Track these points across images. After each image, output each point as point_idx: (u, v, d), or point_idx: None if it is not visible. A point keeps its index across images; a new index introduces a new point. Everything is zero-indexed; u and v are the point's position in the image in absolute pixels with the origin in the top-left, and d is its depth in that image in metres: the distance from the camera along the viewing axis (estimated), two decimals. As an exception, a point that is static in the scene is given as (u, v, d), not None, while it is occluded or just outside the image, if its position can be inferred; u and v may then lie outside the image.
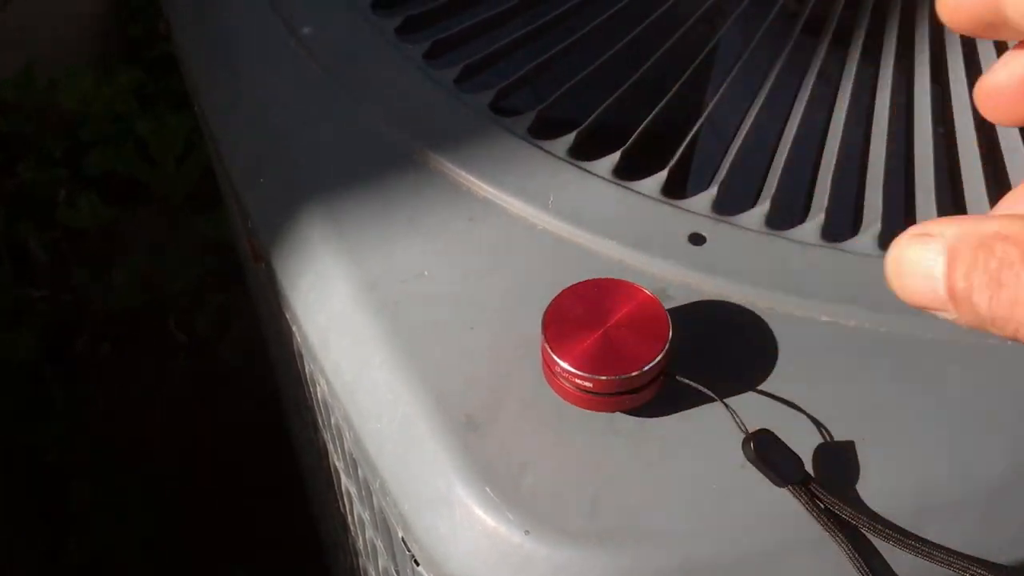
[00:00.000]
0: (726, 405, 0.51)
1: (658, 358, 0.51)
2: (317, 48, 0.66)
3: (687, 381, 0.52)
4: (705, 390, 0.51)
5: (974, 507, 0.51)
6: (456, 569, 0.52)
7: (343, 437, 0.60)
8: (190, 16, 0.72)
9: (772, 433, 0.51)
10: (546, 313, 0.52)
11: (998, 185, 0.63)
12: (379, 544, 0.65)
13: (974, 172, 0.63)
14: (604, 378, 0.51)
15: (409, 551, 0.55)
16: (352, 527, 0.74)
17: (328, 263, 0.59)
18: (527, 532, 0.50)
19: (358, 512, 0.67)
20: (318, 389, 0.61)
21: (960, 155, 0.64)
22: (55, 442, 1.69)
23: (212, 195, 1.46)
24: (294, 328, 0.61)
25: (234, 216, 0.72)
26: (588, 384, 0.51)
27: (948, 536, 0.51)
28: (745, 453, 0.50)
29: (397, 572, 0.62)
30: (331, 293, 0.58)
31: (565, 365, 0.51)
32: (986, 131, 0.65)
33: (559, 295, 0.53)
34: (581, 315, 0.52)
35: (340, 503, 0.75)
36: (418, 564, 0.55)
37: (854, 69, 0.68)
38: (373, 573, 0.71)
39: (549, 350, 0.51)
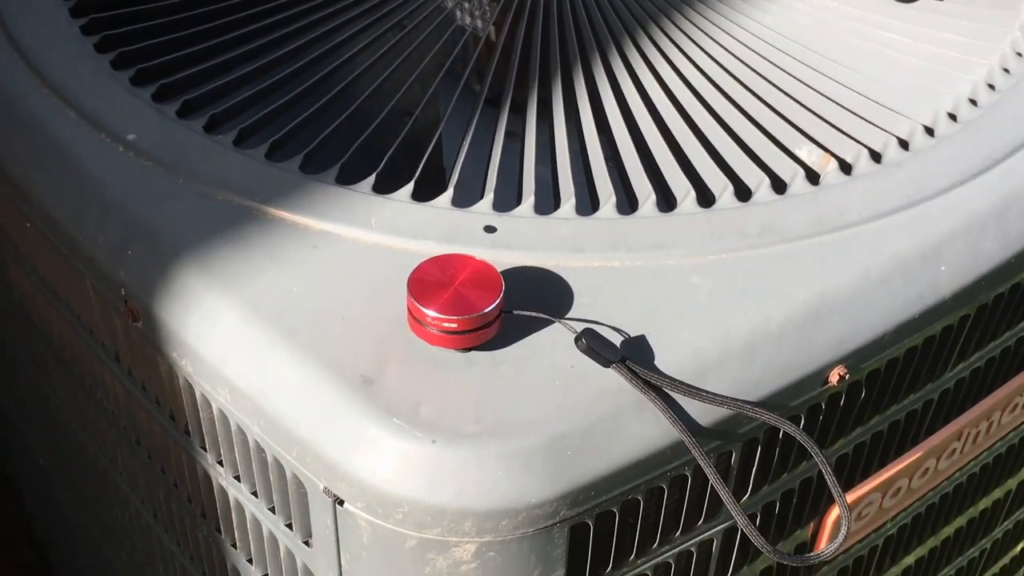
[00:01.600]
0: (557, 319, 0.69)
1: (499, 299, 0.69)
2: (143, 149, 0.81)
3: (523, 312, 0.70)
4: (540, 315, 0.70)
5: (732, 362, 0.72)
6: (388, 486, 0.67)
7: (245, 436, 0.73)
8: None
9: (594, 329, 0.70)
10: (409, 280, 0.69)
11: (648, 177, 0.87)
12: (275, 530, 0.78)
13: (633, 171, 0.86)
14: (465, 317, 0.68)
15: (332, 496, 0.69)
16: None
17: (211, 298, 0.73)
18: (434, 441, 0.66)
19: (251, 513, 0.80)
20: (214, 405, 0.74)
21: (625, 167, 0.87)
22: None
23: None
24: (183, 362, 0.74)
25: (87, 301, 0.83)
26: (453, 324, 0.68)
27: (720, 384, 0.71)
28: (578, 346, 0.69)
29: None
30: (221, 320, 0.73)
31: (432, 313, 0.68)
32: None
33: (416, 268, 0.70)
34: (436, 279, 0.70)
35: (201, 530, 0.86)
36: (342, 504, 0.69)
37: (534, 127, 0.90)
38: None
39: (417, 304, 0.68)
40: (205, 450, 0.79)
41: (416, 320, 0.69)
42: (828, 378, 0.75)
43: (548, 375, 0.69)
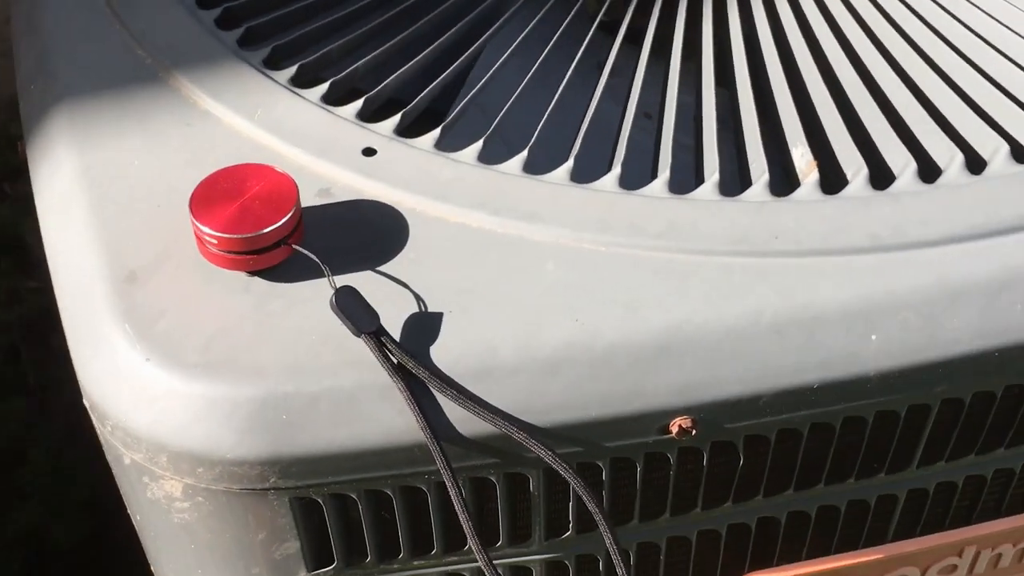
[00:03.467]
0: (320, 263, 0.60)
1: (279, 224, 0.61)
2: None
3: (300, 249, 0.61)
4: (309, 254, 0.61)
5: (528, 373, 0.59)
6: (98, 395, 0.61)
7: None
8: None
9: (355, 290, 0.60)
10: (196, 188, 0.62)
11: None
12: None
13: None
14: (232, 236, 0.60)
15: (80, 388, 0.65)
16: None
17: (60, 152, 0.70)
18: (148, 359, 0.60)
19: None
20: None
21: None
22: (19, 417, 1.80)
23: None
24: (37, 206, 0.72)
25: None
26: (215, 241, 0.60)
27: (501, 395, 0.59)
28: (330, 304, 0.59)
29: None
30: (56, 174, 0.69)
31: (204, 228, 0.61)
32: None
33: (212, 174, 0.63)
34: (225, 190, 0.62)
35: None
36: (83, 398, 0.64)
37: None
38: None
39: (192, 216, 0.61)
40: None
41: (196, 234, 0.62)
42: (668, 427, 0.61)
43: (308, 326, 0.60)
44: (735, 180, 0.69)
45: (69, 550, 1.67)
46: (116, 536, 1.72)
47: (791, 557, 0.73)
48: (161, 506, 0.63)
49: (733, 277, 0.62)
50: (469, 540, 0.59)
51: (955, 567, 0.76)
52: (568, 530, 0.66)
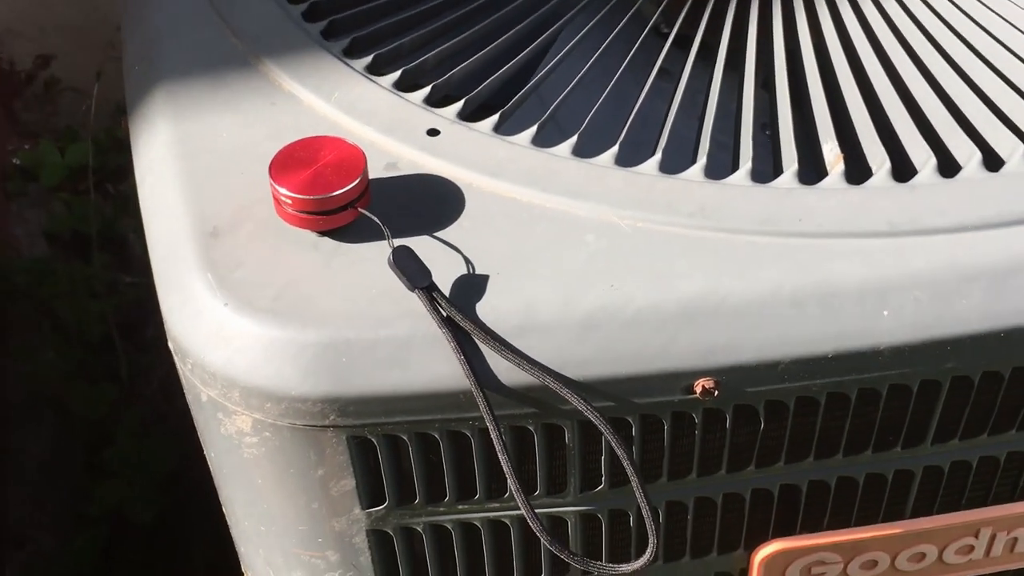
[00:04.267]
0: (381, 225, 0.67)
1: (347, 188, 0.67)
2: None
3: (365, 212, 0.68)
4: (372, 217, 0.67)
5: (567, 330, 0.65)
6: (180, 334, 0.69)
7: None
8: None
9: (411, 249, 0.66)
10: (276, 155, 0.69)
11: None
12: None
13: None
14: (305, 197, 0.67)
15: (166, 332, 0.72)
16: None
17: (158, 123, 0.77)
18: (226, 304, 0.67)
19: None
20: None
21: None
22: (109, 403, 1.90)
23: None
24: (137, 169, 0.80)
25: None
26: (290, 202, 0.68)
27: (540, 350, 0.65)
28: (388, 261, 0.66)
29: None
30: (154, 142, 0.77)
31: (281, 189, 0.68)
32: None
33: (290, 144, 0.70)
34: (301, 158, 0.69)
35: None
36: (168, 340, 0.72)
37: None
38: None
39: (271, 179, 0.68)
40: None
41: (273, 196, 0.69)
42: (693, 387, 0.66)
43: (369, 281, 0.67)
44: (767, 171, 0.75)
45: (148, 528, 1.76)
46: (192, 516, 1.81)
47: (812, 527, 0.77)
48: (233, 441, 0.70)
49: (757, 253, 0.67)
50: (509, 482, 0.65)
51: (972, 548, 0.80)
52: (601, 484, 0.72)
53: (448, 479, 0.71)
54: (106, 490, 1.77)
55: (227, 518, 0.84)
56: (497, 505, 0.73)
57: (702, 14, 0.85)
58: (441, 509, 0.73)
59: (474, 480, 0.71)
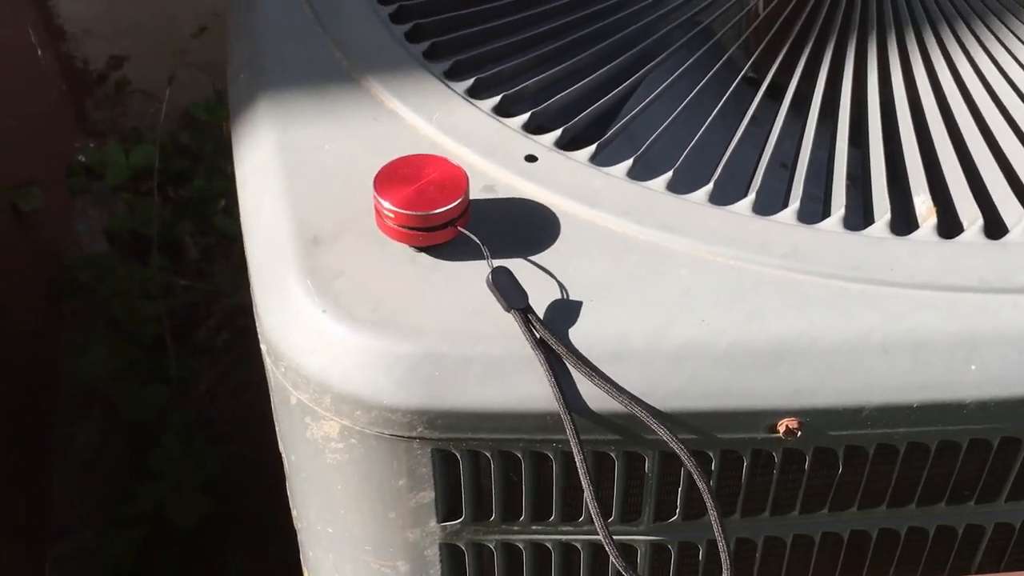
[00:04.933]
0: (481, 245, 0.68)
1: (449, 207, 0.69)
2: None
3: (465, 231, 0.70)
4: (471, 236, 0.69)
5: (655, 361, 0.67)
6: (277, 337, 0.70)
7: (246, 256, 0.80)
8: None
9: (509, 271, 0.68)
10: (381, 169, 0.71)
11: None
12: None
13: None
14: (408, 213, 0.69)
15: (259, 335, 0.74)
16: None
17: (262, 131, 0.79)
18: (324, 311, 0.68)
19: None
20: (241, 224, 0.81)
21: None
22: (158, 405, 1.92)
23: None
24: (236, 180, 0.82)
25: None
26: (392, 216, 0.69)
27: (628, 378, 0.66)
28: (486, 281, 0.67)
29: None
30: (258, 149, 0.79)
31: (384, 203, 0.69)
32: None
33: (395, 159, 0.72)
34: (405, 174, 0.71)
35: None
36: (261, 342, 0.73)
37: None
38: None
39: (375, 192, 0.70)
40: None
41: (376, 209, 0.71)
42: (776, 427, 0.67)
43: (466, 298, 0.69)
44: (858, 220, 0.76)
45: (188, 532, 1.78)
46: (231, 522, 1.83)
47: (878, 575, 0.78)
48: (317, 446, 0.71)
49: (848, 298, 0.68)
50: (590, 507, 0.66)
51: (1034, 608, 0.80)
52: (675, 515, 0.73)
53: (525, 499, 0.72)
54: (149, 491, 1.78)
55: (296, 521, 0.85)
56: (570, 528, 0.74)
57: (796, 62, 0.86)
58: (515, 528, 0.74)
59: (551, 502, 0.72)
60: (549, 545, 0.75)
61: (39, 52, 2.09)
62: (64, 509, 1.81)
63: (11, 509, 1.62)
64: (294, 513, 0.85)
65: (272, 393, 0.75)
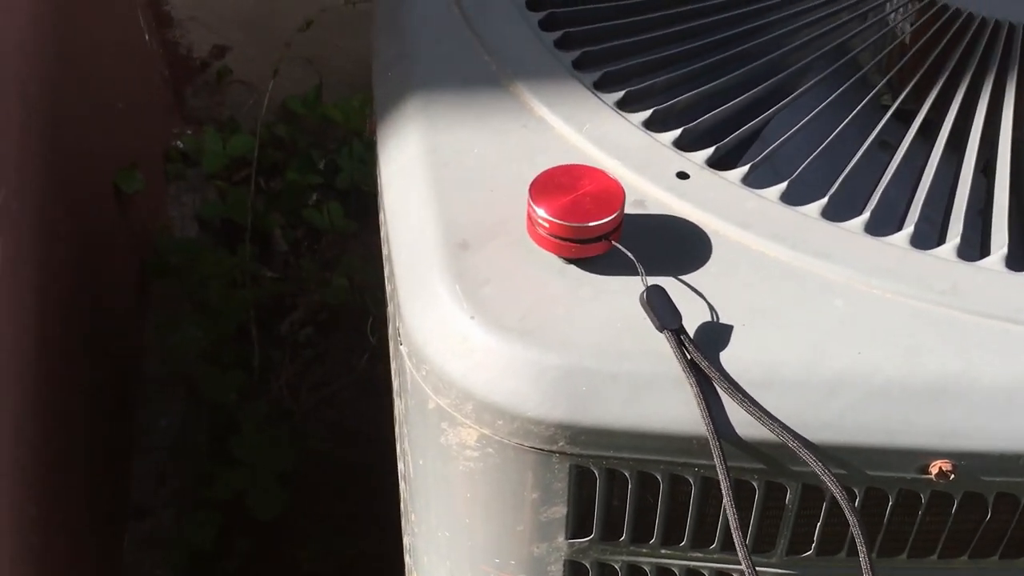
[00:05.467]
0: (635, 261, 0.67)
1: (604, 220, 0.68)
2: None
3: (618, 246, 0.68)
4: (626, 252, 0.68)
5: (810, 391, 0.65)
6: (422, 340, 0.69)
7: (389, 259, 0.79)
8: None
9: (664, 289, 0.67)
10: (538, 176, 0.70)
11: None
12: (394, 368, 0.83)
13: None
14: (562, 223, 0.68)
15: (399, 336, 0.73)
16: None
17: (409, 131, 0.79)
18: (472, 317, 0.67)
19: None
20: (383, 227, 0.81)
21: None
22: (236, 390, 1.93)
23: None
24: (378, 180, 0.81)
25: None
26: (547, 225, 0.68)
27: (780, 407, 0.65)
28: (640, 299, 0.66)
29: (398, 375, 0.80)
30: (405, 149, 0.78)
31: (539, 211, 0.69)
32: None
33: (552, 168, 0.71)
34: (562, 183, 0.70)
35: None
36: (401, 344, 0.73)
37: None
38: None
39: (530, 199, 0.69)
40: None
41: (528, 216, 0.70)
42: (928, 468, 0.66)
43: (617, 313, 0.68)
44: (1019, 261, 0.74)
45: (264, 522, 1.78)
46: (306, 515, 1.83)
47: (1010, 626, 0.76)
48: (451, 452, 0.71)
49: (1011, 340, 0.66)
50: (734, 535, 0.65)
51: None
52: (810, 549, 0.71)
53: (658, 521, 0.70)
54: (230, 477, 1.79)
55: (412, 525, 0.85)
56: (700, 555, 0.73)
57: (950, 98, 0.84)
58: (644, 550, 0.73)
59: (684, 526, 0.71)
60: (676, 570, 0.74)
61: (146, 37, 2.11)
62: (144, 490, 1.82)
63: (95, 487, 1.64)
64: (410, 517, 0.85)
65: (407, 395, 0.74)
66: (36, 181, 1.40)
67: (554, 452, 0.67)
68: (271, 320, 2.12)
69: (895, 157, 0.79)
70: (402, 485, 0.88)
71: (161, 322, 1.96)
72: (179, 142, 2.23)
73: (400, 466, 0.87)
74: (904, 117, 0.83)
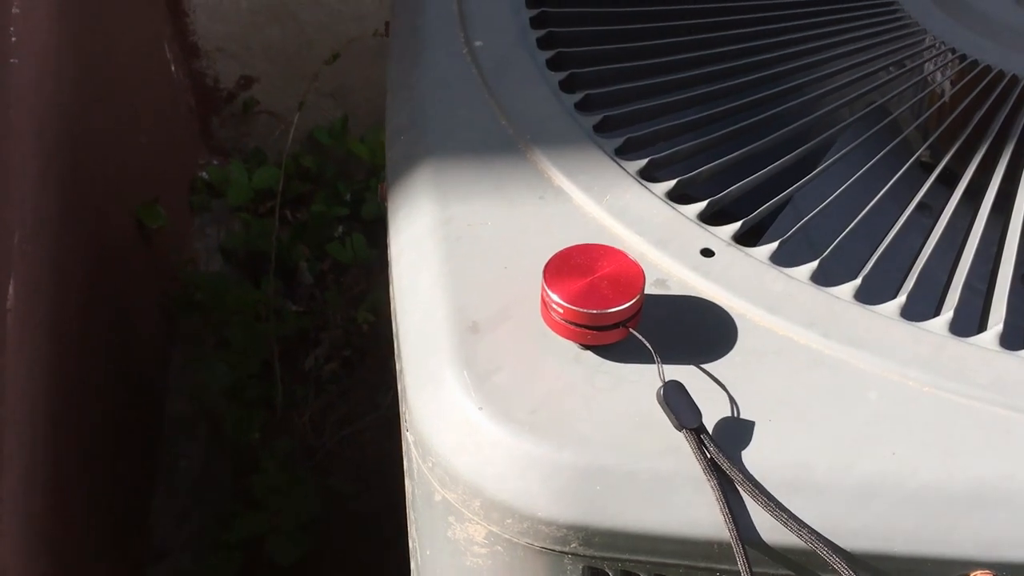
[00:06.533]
0: (654, 353, 0.63)
1: (623, 307, 0.64)
2: (482, 58, 0.84)
3: (636, 334, 0.65)
4: (645, 341, 0.64)
5: (841, 495, 0.61)
6: (428, 431, 0.66)
7: (397, 337, 0.75)
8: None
9: (682, 385, 0.62)
10: (552, 257, 0.66)
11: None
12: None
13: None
14: (578, 309, 0.64)
15: (405, 422, 0.69)
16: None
17: (421, 199, 0.75)
18: (480, 408, 0.64)
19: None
20: (392, 302, 0.77)
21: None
22: (259, 428, 1.90)
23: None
24: (388, 250, 0.77)
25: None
26: (561, 311, 0.64)
27: (808, 511, 0.61)
28: (656, 395, 0.62)
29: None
30: (415, 220, 0.74)
31: (553, 295, 0.65)
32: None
33: (568, 248, 0.67)
34: (578, 265, 0.66)
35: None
36: (407, 430, 0.69)
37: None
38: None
39: (544, 282, 0.65)
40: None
41: (542, 300, 0.66)
42: (967, 577, 0.61)
43: (632, 407, 0.64)
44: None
45: (283, 568, 1.75)
46: (330, 558, 1.79)
47: None
48: (459, 547, 0.67)
49: (1060, 443, 0.62)
50: (753, 648, 0.61)
51: None
52: (837, 658, 0.67)
53: (679, 626, 0.66)
54: (249, 521, 1.76)
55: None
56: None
57: (994, 163, 0.80)
58: (660, 654, 0.68)
59: (705, 630, 0.66)
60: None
61: (172, 68, 2.09)
62: (165, 531, 1.79)
63: (114, 528, 1.61)
64: (420, 603, 0.81)
65: (413, 484, 0.71)
66: (54, 220, 1.37)
67: (566, 553, 0.63)
68: (295, 356, 2.09)
69: (938, 224, 0.75)
70: (412, 564, 0.84)
71: (186, 360, 1.94)
72: (204, 173, 2.21)
73: (411, 544, 0.83)
74: (943, 178, 0.79)
